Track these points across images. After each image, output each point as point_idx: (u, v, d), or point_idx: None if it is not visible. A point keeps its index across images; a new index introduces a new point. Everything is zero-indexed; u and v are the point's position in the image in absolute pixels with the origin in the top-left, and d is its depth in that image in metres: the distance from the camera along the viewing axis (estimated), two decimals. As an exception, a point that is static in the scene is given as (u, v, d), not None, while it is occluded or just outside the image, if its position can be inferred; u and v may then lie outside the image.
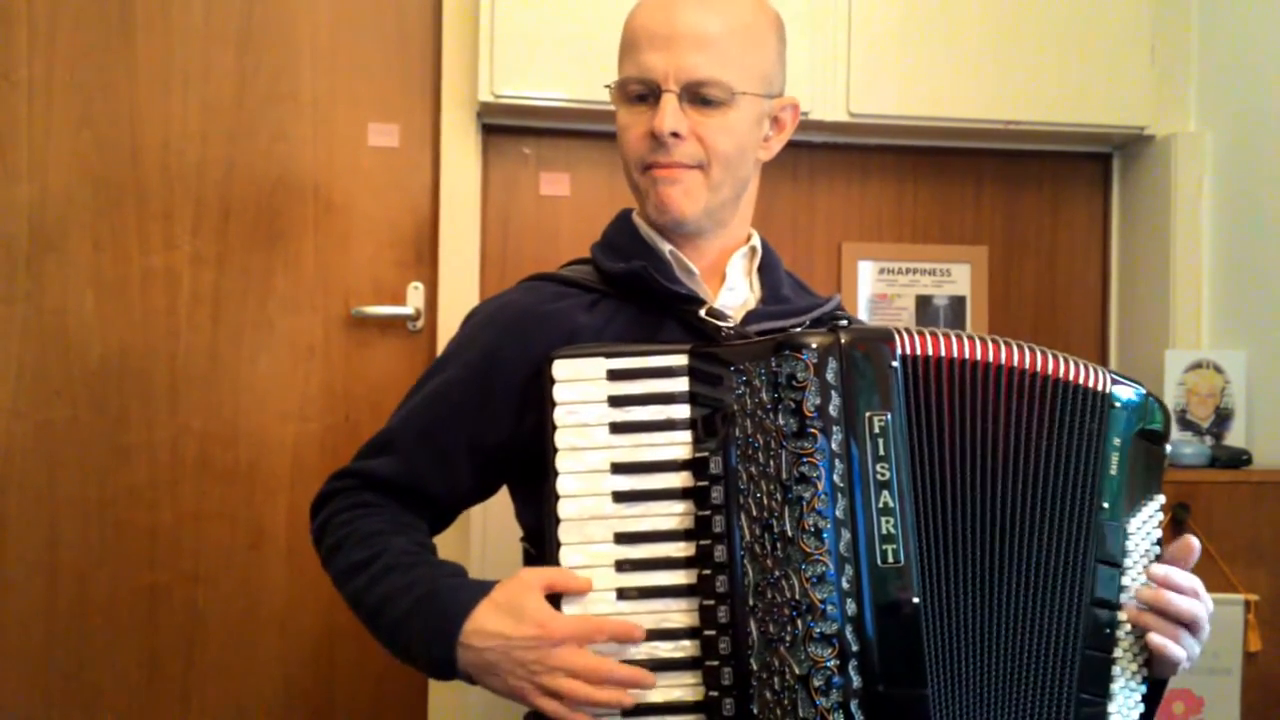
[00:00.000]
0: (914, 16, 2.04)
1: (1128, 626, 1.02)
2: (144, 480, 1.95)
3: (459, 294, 2.01)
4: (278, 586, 1.99)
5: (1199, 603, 1.03)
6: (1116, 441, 1.03)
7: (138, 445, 1.95)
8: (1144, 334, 2.19)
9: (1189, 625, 1.02)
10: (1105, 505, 1.02)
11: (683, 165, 1.15)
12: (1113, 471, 1.03)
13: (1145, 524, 1.05)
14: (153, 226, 1.97)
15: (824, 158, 2.19)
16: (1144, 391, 1.06)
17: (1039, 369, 1.03)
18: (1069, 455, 1.02)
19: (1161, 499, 1.06)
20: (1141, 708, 1.04)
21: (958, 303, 2.21)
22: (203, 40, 1.99)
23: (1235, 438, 2.01)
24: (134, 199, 1.96)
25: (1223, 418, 2.02)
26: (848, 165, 2.20)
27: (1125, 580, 1.03)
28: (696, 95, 1.14)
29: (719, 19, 1.15)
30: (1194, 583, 1.04)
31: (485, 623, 0.99)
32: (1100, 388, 1.04)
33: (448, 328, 1.97)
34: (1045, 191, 2.27)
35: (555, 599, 1.01)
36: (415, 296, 2.03)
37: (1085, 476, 1.02)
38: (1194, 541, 1.05)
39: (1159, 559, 1.05)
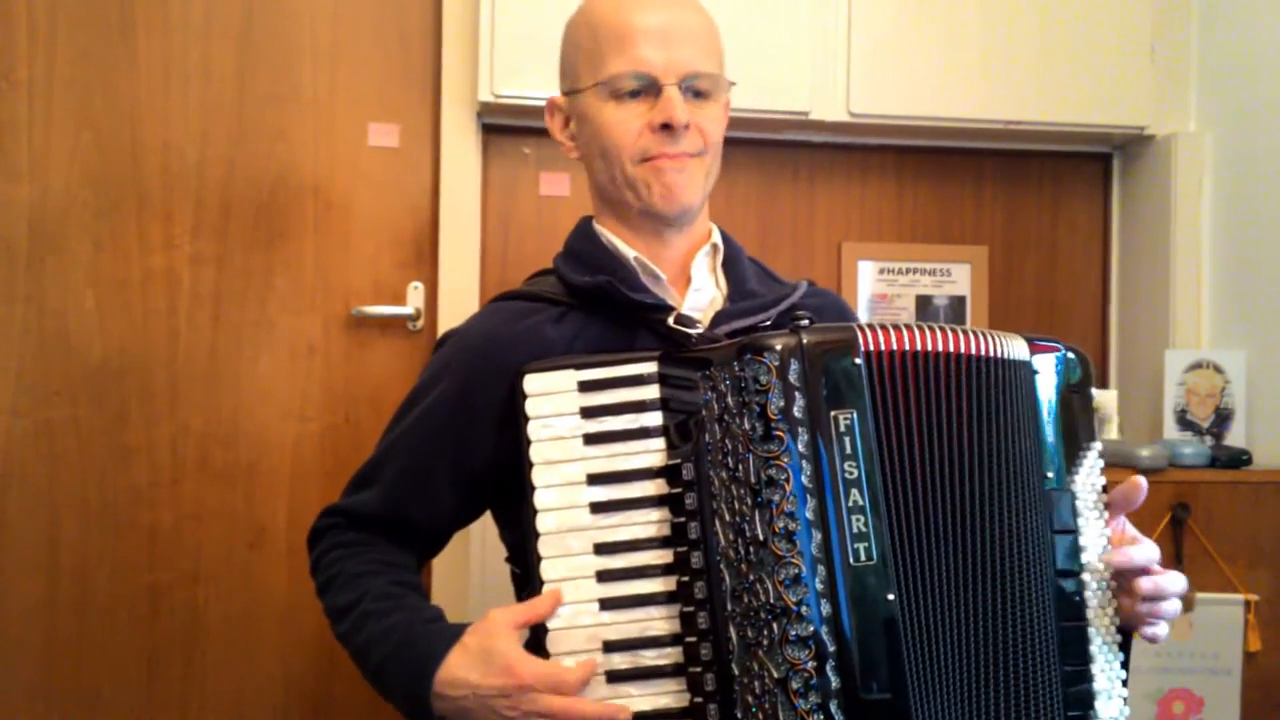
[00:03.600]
0: (914, 16, 2.04)
1: (1093, 586, 1.02)
2: (144, 480, 1.95)
3: (459, 294, 2.01)
4: (278, 586, 1.99)
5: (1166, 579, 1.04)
6: (1045, 407, 1.04)
7: (138, 445, 1.95)
8: (1144, 334, 2.19)
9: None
10: (1049, 474, 1.03)
11: (688, 154, 1.17)
12: (1049, 439, 1.03)
13: (1088, 477, 1.05)
14: (153, 226, 1.97)
15: (824, 158, 2.19)
16: (1060, 348, 1.06)
17: (974, 350, 1.02)
18: (1011, 433, 1.02)
19: (1098, 445, 1.06)
20: (1121, 656, 1.03)
21: (958, 303, 2.21)
22: (203, 40, 1.99)
23: (1235, 438, 2.01)
24: (134, 199, 1.96)
25: (1223, 418, 2.02)
26: (848, 165, 2.21)
27: (1083, 541, 1.03)
28: (691, 87, 1.17)
29: (695, 14, 1.20)
30: (1150, 554, 1.04)
31: (456, 671, 1.00)
32: (1021, 357, 1.04)
33: (448, 327, 1.97)
34: (1045, 191, 2.27)
35: (539, 626, 1.02)
36: (415, 296, 2.03)
37: (1027, 451, 1.02)
38: (1141, 480, 1.05)
39: (1107, 506, 1.05)
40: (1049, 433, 1.04)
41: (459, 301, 1.99)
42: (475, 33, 1.95)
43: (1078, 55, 2.06)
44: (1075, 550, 1.02)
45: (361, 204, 2.03)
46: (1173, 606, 1.04)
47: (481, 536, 1.95)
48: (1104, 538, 1.04)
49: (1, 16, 1.92)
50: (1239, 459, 1.89)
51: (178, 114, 1.98)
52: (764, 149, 2.17)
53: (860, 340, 1.00)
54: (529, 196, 2.09)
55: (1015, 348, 1.04)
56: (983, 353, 1.02)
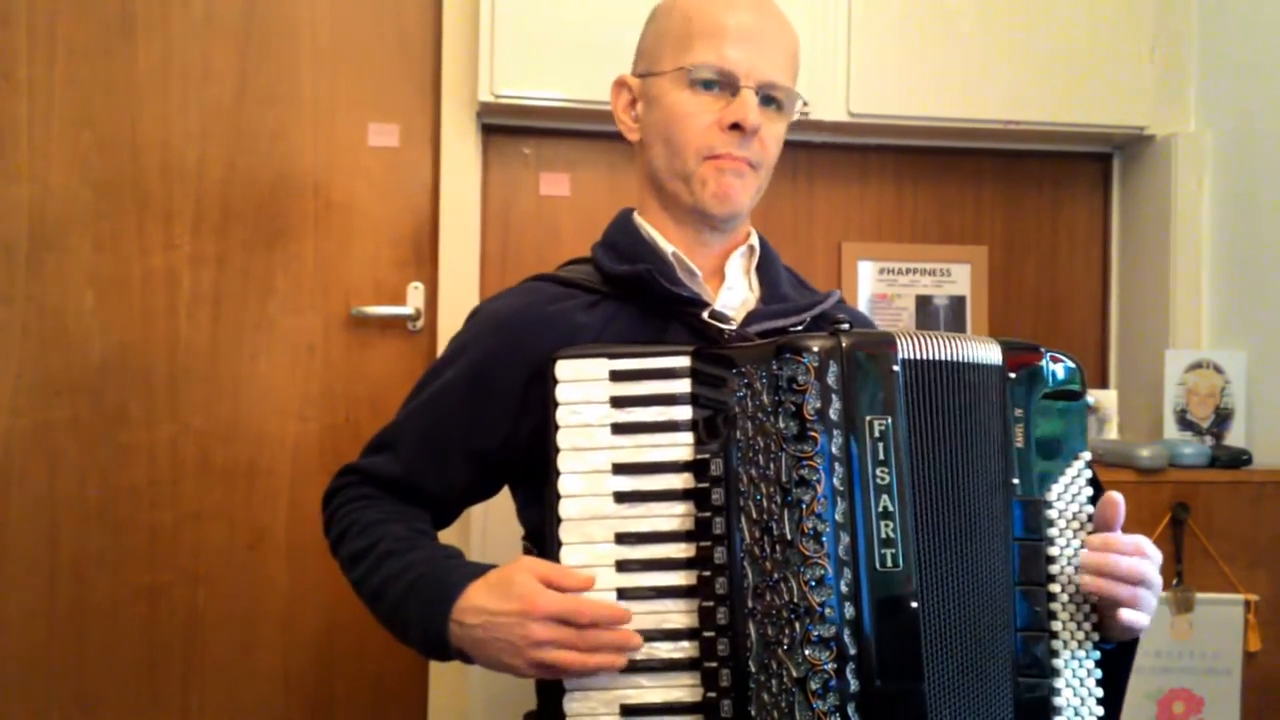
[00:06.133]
0: (914, 16, 2.04)
1: (1065, 598, 1.02)
2: (144, 480, 1.95)
3: (459, 294, 2.01)
4: (278, 586, 1.99)
5: (1145, 560, 1.02)
6: (1018, 413, 1.04)
7: (138, 445, 1.95)
8: (1144, 334, 2.19)
9: (1139, 583, 1.01)
10: (1015, 481, 1.03)
11: (747, 161, 1.19)
12: (1019, 444, 1.03)
13: (1070, 487, 1.04)
14: (153, 226, 1.97)
15: (824, 158, 2.19)
16: (1042, 355, 1.06)
17: (954, 356, 1.02)
18: (989, 439, 1.03)
19: (1087, 456, 1.05)
20: (1098, 674, 1.03)
21: (958, 303, 2.21)
22: (203, 40, 1.99)
23: (1235, 438, 2.01)
24: (134, 199, 1.96)
25: (1223, 418, 2.02)
26: (848, 165, 2.21)
27: (1054, 551, 1.02)
28: (767, 97, 1.19)
29: (787, 29, 1.23)
30: (1136, 541, 1.03)
31: (475, 599, 1.01)
32: (993, 362, 1.04)
33: (448, 328, 1.97)
34: (1045, 191, 2.27)
35: None
36: (415, 296, 2.03)
37: (998, 457, 1.03)
38: (1115, 496, 1.03)
39: (1090, 519, 1.04)
40: (1018, 437, 1.03)
41: (459, 301, 1.99)
42: (475, 33, 1.94)
43: (1078, 55, 2.06)
44: (1039, 560, 1.02)
45: (361, 204, 2.03)
46: (1130, 564, 1.00)
47: (482, 525, 1.95)
48: (1079, 550, 1.02)
49: (1, 16, 1.92)
50: (1239, 459, 1.89)
51: (178, 114, 1.98)
52: (764, 149, 2.16)
53: (900, 346, 1.01)
54: (529, 196, 2.09)
55: (989, 353, 1.04)
56: (959, 359, 1.03)
